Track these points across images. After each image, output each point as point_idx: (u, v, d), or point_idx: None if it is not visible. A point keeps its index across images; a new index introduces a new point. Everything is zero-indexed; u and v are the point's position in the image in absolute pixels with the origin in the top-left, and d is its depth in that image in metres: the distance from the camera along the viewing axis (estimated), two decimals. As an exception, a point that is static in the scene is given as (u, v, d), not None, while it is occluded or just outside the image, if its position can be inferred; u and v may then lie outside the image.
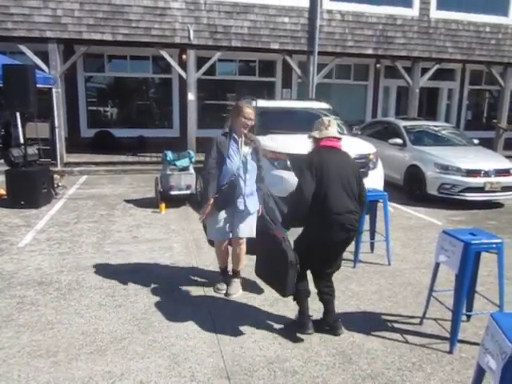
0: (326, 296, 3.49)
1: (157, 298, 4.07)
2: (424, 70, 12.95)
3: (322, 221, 3.19)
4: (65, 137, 11.19)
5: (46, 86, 10.00)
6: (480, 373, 2.12)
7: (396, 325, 3.69)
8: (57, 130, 10.51)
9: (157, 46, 10.88)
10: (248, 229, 3.97)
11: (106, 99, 14.16)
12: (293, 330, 3.50)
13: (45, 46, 10.21)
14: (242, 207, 3.90)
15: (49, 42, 10.17)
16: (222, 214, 3.96)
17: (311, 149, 3.49)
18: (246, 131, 3.91)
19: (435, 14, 12.56)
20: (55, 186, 8.12)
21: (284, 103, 8.79)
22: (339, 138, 3.45)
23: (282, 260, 3.23)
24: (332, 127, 3.43)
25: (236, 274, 4.30)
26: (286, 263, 3.20)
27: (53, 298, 4.04)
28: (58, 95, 10.51)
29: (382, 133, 9.99)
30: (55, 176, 8.31)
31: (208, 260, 5.04)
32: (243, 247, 4.12)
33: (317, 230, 3.24)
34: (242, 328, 3.57)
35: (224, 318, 3.72)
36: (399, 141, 9.09)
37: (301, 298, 3.46)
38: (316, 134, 3.45)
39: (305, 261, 3.33)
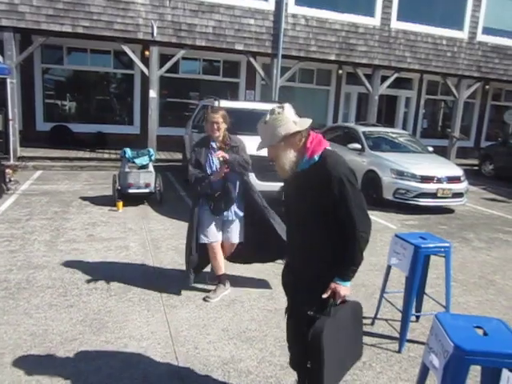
0: None
1: (111, 298, 3.98)
2: (384, 78, 13.35)
3: None
4: (19, 130, 10.76)
5: (0, 77, 9.58)
6: (425, 371, 2.20)
7: (349, 325, 3.77)
8: (10, 123, 10.07)
9: (119, 41, 10.65)
10: (239, 234, 4.12)
11: (64, 92, 13.69)
12: None
13: (0, 34, 9.78)
14: (230, 217, 4.04)
15: (4, 30, 9.75)
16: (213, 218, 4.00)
17: (332, 150, 2.34)
18: (217, 135, 3.90)
19: (395, 24, 12.99)
20: (7, 180, 7.79)
21: (247, 104, 8.81)
22: None
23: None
24: None
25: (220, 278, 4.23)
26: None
27: (0, 297, 3.87)
28: (12, 86, 10.08)
29: (342, 137, 10.17)
30: (7, 170, 7.96)
31: (165, 260, 4.99)
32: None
33: None
34: (197, 329, 3.55)
35: (179, 319, 3.69)
36: (358, 146, 9.30)
37: None
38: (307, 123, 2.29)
39: None
